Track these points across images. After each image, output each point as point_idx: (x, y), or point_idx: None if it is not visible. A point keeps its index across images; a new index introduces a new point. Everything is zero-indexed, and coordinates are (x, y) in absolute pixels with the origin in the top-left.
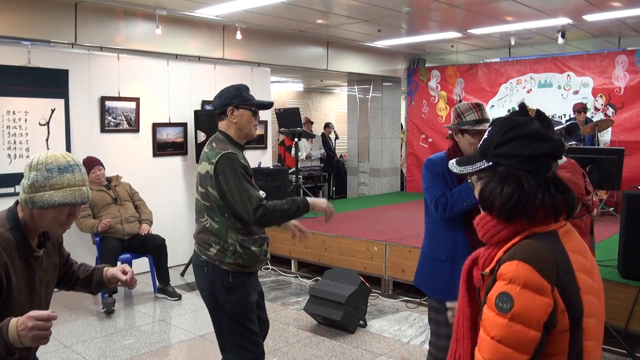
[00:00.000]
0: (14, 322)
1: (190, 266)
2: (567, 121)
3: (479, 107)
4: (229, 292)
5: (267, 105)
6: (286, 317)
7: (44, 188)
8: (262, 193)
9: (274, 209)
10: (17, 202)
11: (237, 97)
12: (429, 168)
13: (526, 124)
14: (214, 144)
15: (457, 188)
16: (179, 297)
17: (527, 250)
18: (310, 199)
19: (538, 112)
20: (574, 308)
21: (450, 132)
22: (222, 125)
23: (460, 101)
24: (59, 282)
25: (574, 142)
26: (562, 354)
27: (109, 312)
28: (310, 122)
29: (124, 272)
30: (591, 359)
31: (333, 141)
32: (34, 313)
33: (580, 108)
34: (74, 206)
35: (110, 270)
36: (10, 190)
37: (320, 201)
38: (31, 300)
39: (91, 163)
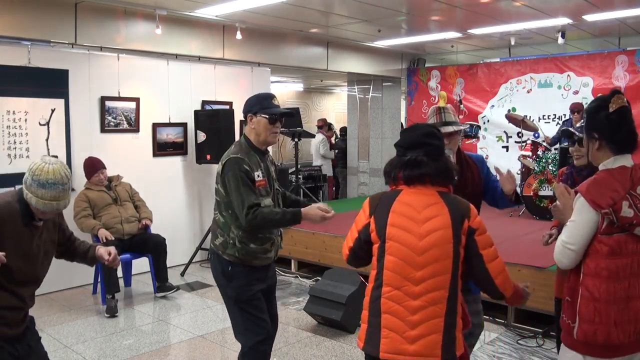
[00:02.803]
0: None
1: (190, 266)
2: (564, 122)
3: (439, 111)
4: (228, 280)
5: (287, 114)
6: (286, 317)
7: (28, 190)
8: (268, 201)
9: (263, 216)
10: None
11: (255, 105)
12: None
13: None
14: (232, 147)
15: None
16: (177, 288)
17: (374, 194)
18: (303, 210)
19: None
20: (378, 230)
21: None
22: (246, 130)
23: (460, 101)
24: (63, 253)
25: (568, 142)
26: (375, 256)
27: (113, 315)
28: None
29: (109, 254)
30: (392, 265)
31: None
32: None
33: (575, 108)
34: (45, 212)
35: (99, 251)
36: (10, 190)
37: (312, 212)
38: (26, 259)
39: (94, 166)
